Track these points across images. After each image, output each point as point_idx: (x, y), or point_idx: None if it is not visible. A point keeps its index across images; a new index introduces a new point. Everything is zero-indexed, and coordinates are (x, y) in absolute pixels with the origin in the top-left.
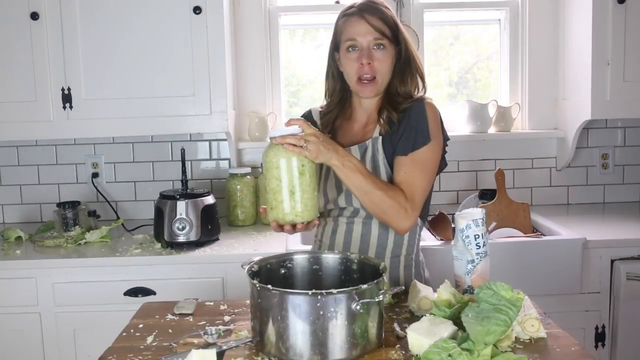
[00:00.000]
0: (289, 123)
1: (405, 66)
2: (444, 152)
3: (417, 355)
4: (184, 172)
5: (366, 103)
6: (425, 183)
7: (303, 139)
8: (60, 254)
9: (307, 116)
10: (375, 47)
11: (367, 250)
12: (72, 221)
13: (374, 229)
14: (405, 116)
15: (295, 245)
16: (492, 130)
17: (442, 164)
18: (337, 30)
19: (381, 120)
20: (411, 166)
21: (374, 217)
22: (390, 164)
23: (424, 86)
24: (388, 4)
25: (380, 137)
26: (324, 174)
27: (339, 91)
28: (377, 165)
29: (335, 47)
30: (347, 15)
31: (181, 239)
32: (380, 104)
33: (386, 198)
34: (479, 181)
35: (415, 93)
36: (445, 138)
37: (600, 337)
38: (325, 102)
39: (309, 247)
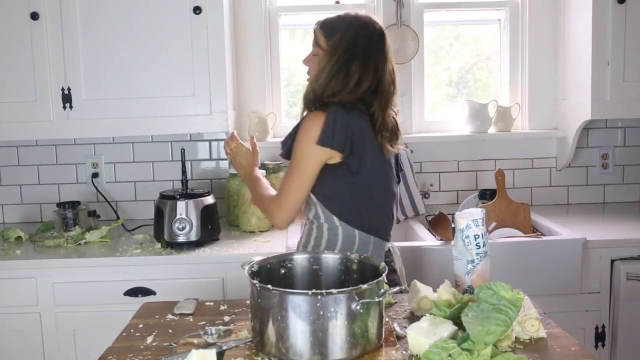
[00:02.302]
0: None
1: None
2: (357, 163)
3: (417, 355)
4: (184, 172)
5: None
6: (293, 185)
7: (233, 152)
8: (60, 254)
9: None
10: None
11: (352, 248)
12: (72, 221)
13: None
14: None
15: (295, 246)
16: (492, 130)
17: (358, 167)
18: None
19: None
20: (286, 171)
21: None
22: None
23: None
24: (388, 5)
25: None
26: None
27: None
28: None
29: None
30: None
31: (181, 239)
32: None
33: (261, 204)
34: (479, 181)
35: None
36: (350, 149)
37: (600, 337)
38: None
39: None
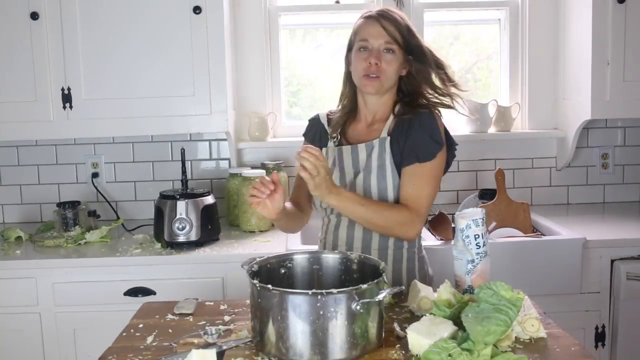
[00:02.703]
0: (306, 151)
1: (419, 73)
2: (454, 156)
3: (417, 355)
4: (184, 172)
5: (371, 103)
6: (431, 192)
7: (318, 168)
8: (60, 254)
9: (315, 121)
10: (385, 51)
11: (370, 243)
12: (72, 221)
13: None
14: (414, 125)
15: (295, 245)
16: (492, 130)
17: (446, 167)
18: (354, 30)
19: (393, 114)
20: (418, 177)
21: None
22: (397, 165)
23: (449, 80)
24: (388, 5)
25: (389, 138)
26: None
27: (349, 94)
28: (384, 164)
29: (349, 47)
30: (365, 18)
31: (181, 239)
32: (392, 104)
33: (390, 218)
34: (479, 181)
35: (443, 87)
36: (453, 143)
37: (600, 337)
38: (336, 107)
39: (309, 247)
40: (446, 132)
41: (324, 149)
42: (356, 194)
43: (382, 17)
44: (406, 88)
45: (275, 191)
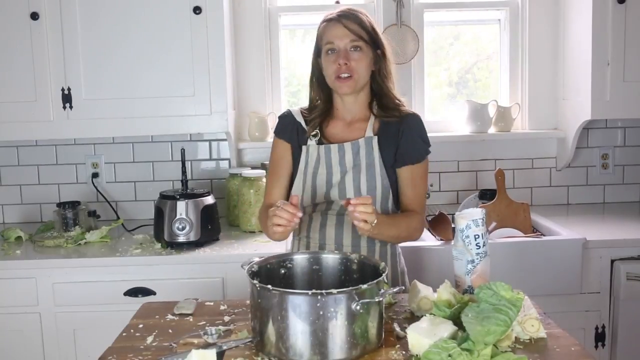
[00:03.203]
0: (360, 204)
1: (385, 67)
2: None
3: (417, 355)
4: (184, 172)
5: (348, 102)
6: (425, 190)
7: (374, 215)
8: (60, 254)
9: (288, 116)
10: (352, 49)
11: (359, 241)
12: (72, 221)
13: None
14: (404, 129)
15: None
16: (492, 130)
17: None
18: (318, 35)
19: (372, 114)
20: (415, 179)
21: None
22: (385, 165)
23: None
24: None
25: (376, 137)
26: (310, 168)
27: (323, 94)
28: (373, 163)
29: (317, 53)
30: (327, 21)
31: (181, 239)
32: (368, 103)
33: (410, 227)
34: (479, 181)
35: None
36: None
37: (600, 337)
38: (307, 106)
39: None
40: None
41: (304, 147)
42: (380, 214)
43: (343, 17)
44: (375, 86)
45: (295, 215)
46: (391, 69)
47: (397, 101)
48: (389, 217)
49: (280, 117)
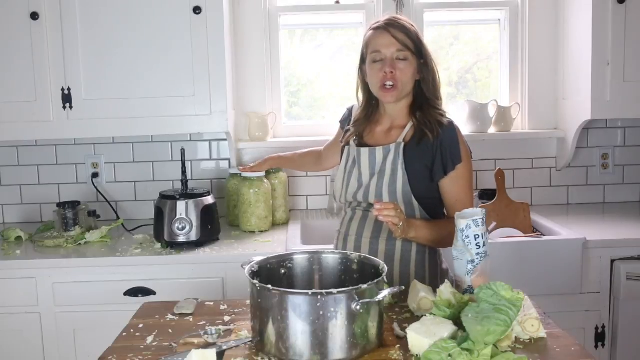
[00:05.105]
0: (379, 211)
1: (429, 76)
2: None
3: (417, 355)
4: (184, 172)
5: (390, 110)
6: (471, 194)
7: (399, 218)
8: (60, 254)
9: (350, 113)
10: (398, 59)
11: (379, 233)
12: (72, 221)
13: None
14: (438, 142)
15: (295, 246)
16: (492, 130)
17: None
18: (365, 43)
19: (413, 120)
20: (456, 185)
21: None
22: (408, 171)
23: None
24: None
25: (403, 144)
26: (348, 167)
27: (368, 101)
28: (396, 168)
29: (362, 60)
30: (374, 29)
31: (181, 239)
32: (410, 109)
33: (452, 232)
34: (479, 181)
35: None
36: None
37: (600, 337)
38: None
39: (309, 247)
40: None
41: (346, 147)
42: (422, 220)
43: (390, 26)
44: (418, 95)
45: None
46: (437, 79)
47: (438, 111)
48: (428, 222)
49: (347, 109)
